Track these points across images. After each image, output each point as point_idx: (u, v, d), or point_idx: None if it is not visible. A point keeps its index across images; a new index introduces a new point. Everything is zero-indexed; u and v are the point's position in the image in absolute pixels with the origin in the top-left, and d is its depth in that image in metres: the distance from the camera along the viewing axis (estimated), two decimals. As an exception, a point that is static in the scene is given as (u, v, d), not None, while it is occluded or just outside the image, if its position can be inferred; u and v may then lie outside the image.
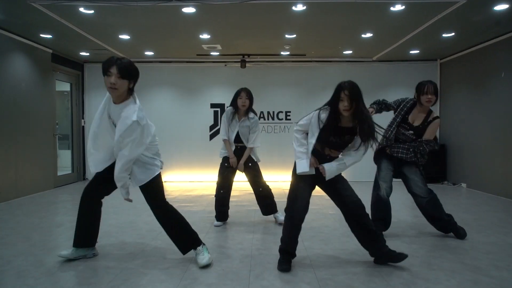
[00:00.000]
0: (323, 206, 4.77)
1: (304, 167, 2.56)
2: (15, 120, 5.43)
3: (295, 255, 2.74)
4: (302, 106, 7.48)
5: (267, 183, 3.96)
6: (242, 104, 3.75)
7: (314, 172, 2.59)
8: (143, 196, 2.73)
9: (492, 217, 4.29)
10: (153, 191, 2.70)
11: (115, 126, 2.52)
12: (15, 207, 4.88)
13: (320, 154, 2.63)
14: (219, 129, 7.59)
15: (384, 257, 2.70)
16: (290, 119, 7.62)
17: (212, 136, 7.65)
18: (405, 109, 3.35)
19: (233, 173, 3.89)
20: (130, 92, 2.56)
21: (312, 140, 2.55)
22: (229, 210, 4.00)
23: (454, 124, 6.87)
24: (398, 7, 4.32)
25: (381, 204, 3.35)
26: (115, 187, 2.73)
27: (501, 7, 4.28)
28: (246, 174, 3.91)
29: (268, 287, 2.35)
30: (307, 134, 2.63)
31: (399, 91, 7.49)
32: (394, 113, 3.42)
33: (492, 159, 5.83)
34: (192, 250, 2.77)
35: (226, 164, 3.86)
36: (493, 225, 3.94)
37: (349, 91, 2.41)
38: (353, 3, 4.18)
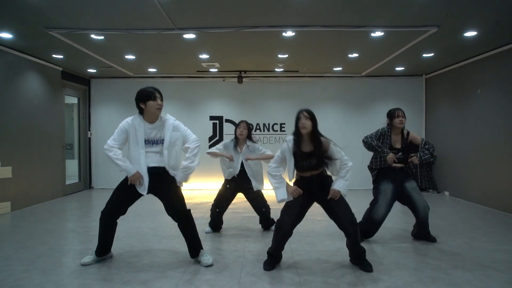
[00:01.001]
0: (312, 213, 5.14)
1: (282, 194, 2.98)
2: (28, 133, 5.89)
3: (280, 259, 3.18)
4: (296, 118, 7.93)
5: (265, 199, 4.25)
6: (239, 133, 4.11)
7: (291, 198, 2.99)
8: (168, 203, 3.16)
9: (466, 224, 4.72)
10: (181, 195, 3.22)
11: (154, 143, 3.13)
12: (29, 214, 5.31)
13: (305, 178, 3.04)
14: (217, 140, 8.07)
15: (357, 263, 3.11)
16: (284, 131, 8.08)
17: (210, 147, 8.04)
18: (388, 135, 3.79)
19: (232, 194, 4.19)
20: None
21: (291, 165, 2.99)
22: (224, 218, 4.37)
23: (439, 135, 7.31)
24: (378, 33, 4.80)
25: (373, 224, 3.77)
26: (129, 206, 3.21)
27: (470, 33, 4.76)
28: (246, 196, 4.20)
29: (255, 282, 2.78)
30: (280, 166, 3.07)
31: (387, 104, 7.92)
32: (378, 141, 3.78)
33: (472, 170, 6.27)
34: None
35: (228, 186, 4.15)
36: (464, 230, 4.36)
37: (306, 111, 2.97)
38: (336, 30, 4.66)
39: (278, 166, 3.07)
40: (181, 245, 3.67)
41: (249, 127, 4.19)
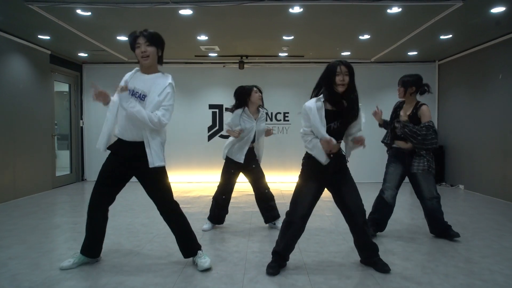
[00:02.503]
0: (320, 208, 4.77)
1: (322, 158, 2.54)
2: (13, 121, 5.44)
3: (287, 260, 2.75)
4: (301, 107, 7.48)
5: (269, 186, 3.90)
6: (258, 97, 3.72)
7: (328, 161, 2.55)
8: (153, 196, 2.72)
9: (489, 220, 4.30)
10: (164, 185, 2.70)
11: (140, 96, 2.59)
12: (13, 208, 4.89)
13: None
14: (217, 130, 7.62)
15: (371, 264, 2.73)
16: (288, 120, 7.63)
17: (210, 137, 7.65)
18: (398, 106, 3.65)
19: (236, 178, 3.82)
20: (160, 61, 2.73)
21: (323, 132, 2.52)
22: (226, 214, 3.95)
23: (453, 125, 6.87)
24: (395, 9, 4.32)
25: (384, 207, 3.45)
26: (117, 193, 2.74)
27: (498, 9, 4.29)
28: (248, 176, 3.85)
29: (261, 291, 2.37)
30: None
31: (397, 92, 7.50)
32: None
33: (489, 161, 5.83)
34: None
35: (232, 171, 3.76)
36: (489, 228, 3.94)
37: (345, 66, 2.50)
38: (349, 5, 4.18)
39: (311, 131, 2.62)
40: (175, 244, 3.22)
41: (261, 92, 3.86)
